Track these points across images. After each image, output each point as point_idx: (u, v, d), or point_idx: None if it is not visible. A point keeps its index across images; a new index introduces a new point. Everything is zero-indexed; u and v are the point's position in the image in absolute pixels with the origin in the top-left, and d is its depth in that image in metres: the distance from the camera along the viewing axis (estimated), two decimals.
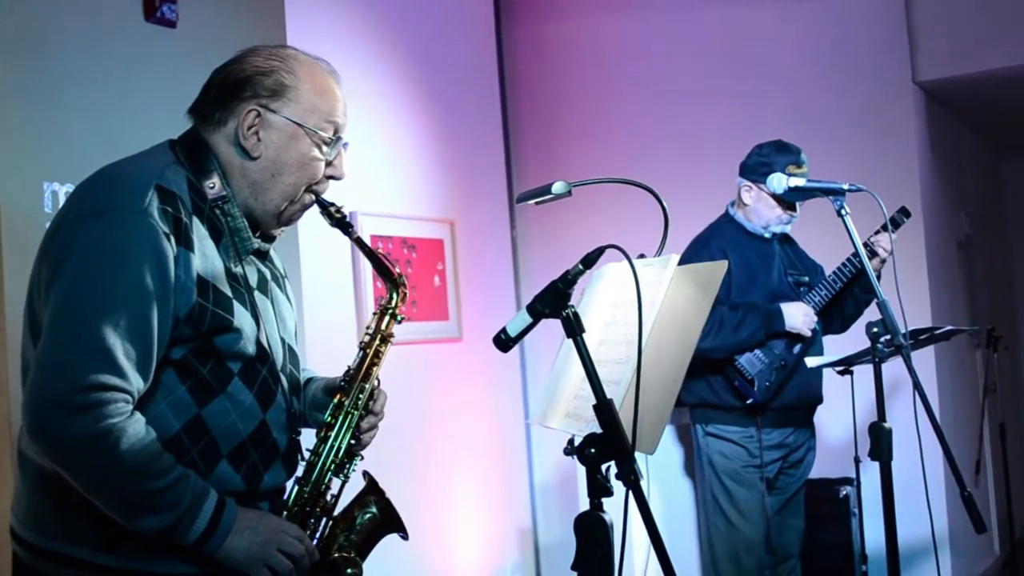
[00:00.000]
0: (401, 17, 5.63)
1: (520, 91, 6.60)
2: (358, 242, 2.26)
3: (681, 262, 2.40)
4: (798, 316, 4.10)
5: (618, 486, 2.04)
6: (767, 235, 4.25)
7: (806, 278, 4.30)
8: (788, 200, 4.12)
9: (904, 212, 4.19)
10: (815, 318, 4.14)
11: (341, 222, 2.22)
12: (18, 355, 2.07)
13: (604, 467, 2.07)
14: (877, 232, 4.10)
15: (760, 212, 4.22)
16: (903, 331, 3.27)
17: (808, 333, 4.12)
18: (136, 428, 1.89)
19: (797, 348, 4.15)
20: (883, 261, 4.09)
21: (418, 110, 5.69)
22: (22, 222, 3.11)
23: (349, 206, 4.97)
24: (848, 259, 4.12)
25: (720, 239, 4.24)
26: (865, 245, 4.05)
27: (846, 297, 4.26)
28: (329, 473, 2.20)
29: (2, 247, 3.11)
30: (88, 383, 1.85)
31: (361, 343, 2.29)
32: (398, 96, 5.56)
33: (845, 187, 3.39)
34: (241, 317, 2.05)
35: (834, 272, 4.18)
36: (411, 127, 5.63)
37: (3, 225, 3.13)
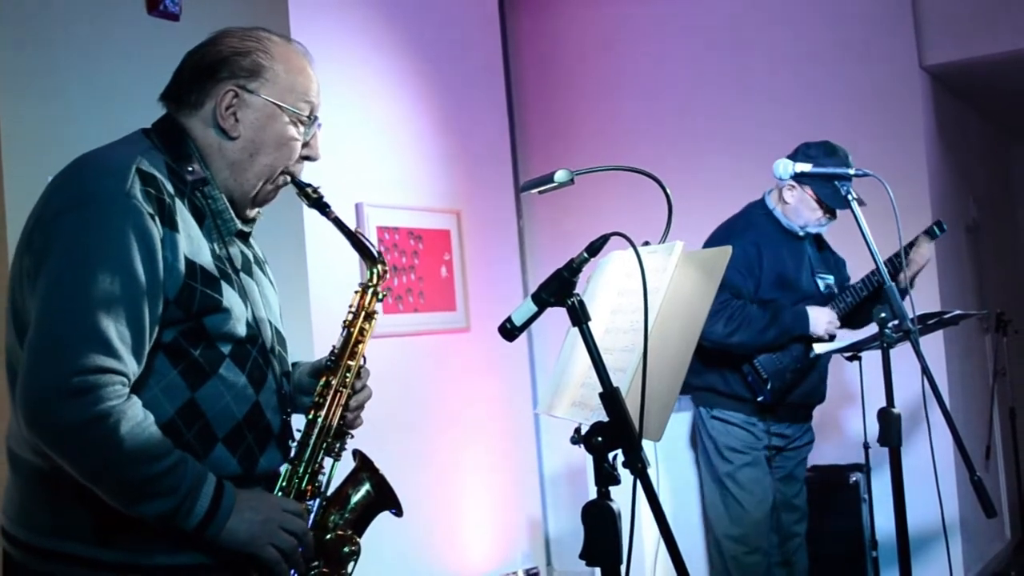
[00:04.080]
0: (405, 7, 5.62)
1: (525, 81, 6.59)
2: (336, 221, 2.24)
3: (711, 246, 2.39)
4: (822, 322, 4.09)
5: (626, 474, 2.03)
6: (801, 233, 4.23)
7: (830, 278, 4.29)
8: (830, 206, 4.08)
9: (940, 226, 4.18)
10: (838, 324, 4.13)
11: (318, 202, 2.21)
12: None
13: (611, 455, 2.07)
14: (917, 238, 4.10)
15: (800, 212, 4.19)
16: (911, 316, 3.26)
17: (827, 339, 4.11)
18: (135, 411, 1.88)
19: (813, 353, 4.13)
20: (918, 269, 4.12)
21: (423, 101, 5.68)
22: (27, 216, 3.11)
23: (356, 197, 5.04)
24: (875, 269, 4.05)
25: (756, 232, 4.19)
26: (897, 256, 4.02)
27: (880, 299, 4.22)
28: (321, 452, 2.19)
29: (7, 241, 3.12)
30: (84, 366, 1.82)
31: (344, 322, 2.28)
32: (403, 87, 5.56)
33: (852, 172, 3.38)
34: (230, 297, 2.04)
35: (863, 280, 4.15)
36: (416, 118, 5.63)
37: (8, 219, 3.14)
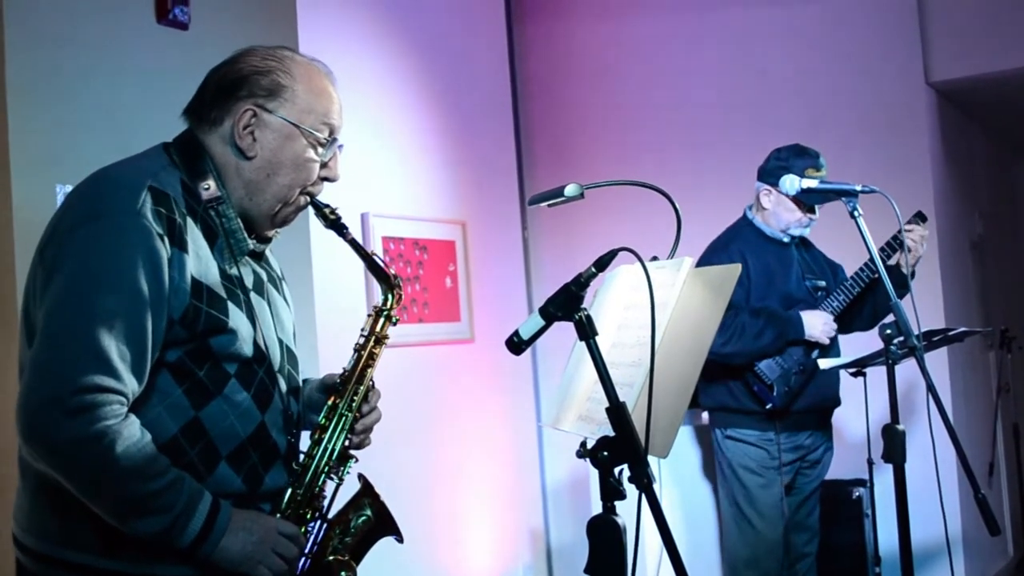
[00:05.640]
0: (412, 18, 5.63)
1: (532, 92, 6.60)
2: (352, 243, 2.25)
3: (700, 265, 2.40)
4: (817, 325, 4.10)
5: (631, 489, 2.03)
6: (786, 239, 4.25)
7: (823, 282, 4.30)
8: (807, 203, 4.12)
9: (920, 216, 4.18)
10: (834, 326, 4.14)
11: (335, 223, 2.22)
12: None
13: (617, 470, 2.07)
14: (910, 221, 4.09)
15: (779, 215, 4.22)
16: (916, 333, 3.26)
17: (827, 341, 4.12)
18: (131, 430, 1.89)
19: (815, 353, 4.14)
20: (918, 258, 4.10)
21: (430, 111, 5.69)
22: (35, 224, 3.10)
23: (361, 207, 5.05)
24: (866, 263, 4.11)
25: (739, 243, 4.23)
26: (895, 238, 4.06)
27: (876, 289, 4.22)
28: (323, 475, 2.19)
29: (15, 250, 3.12)
30: (82, 385, 1.84)
31: (356, 345, 2.28)
32: (409, 98, 5.57)
33: (858, 189, 3.39)
34: (236, 318, 2.04)
35: (852, 277, 4.18)
36: (422, 129, 5.63)
37: (16, 228, 3.14)
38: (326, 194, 2.24)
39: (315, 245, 4.21)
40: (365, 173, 5.13)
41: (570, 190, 2.41)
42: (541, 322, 2.13)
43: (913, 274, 4.14)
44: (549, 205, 2.52)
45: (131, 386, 1.90)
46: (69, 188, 3.25)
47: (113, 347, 1.87)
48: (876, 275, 4.07)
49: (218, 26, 3.78)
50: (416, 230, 5.44)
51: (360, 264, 5.09)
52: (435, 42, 5.78)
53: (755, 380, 4.12)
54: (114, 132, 3.41)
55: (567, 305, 2.10)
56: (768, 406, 4.10)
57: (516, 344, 2.15)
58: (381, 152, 5.30)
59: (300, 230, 4.06)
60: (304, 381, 2.37)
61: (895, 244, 4.09)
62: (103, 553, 1.96)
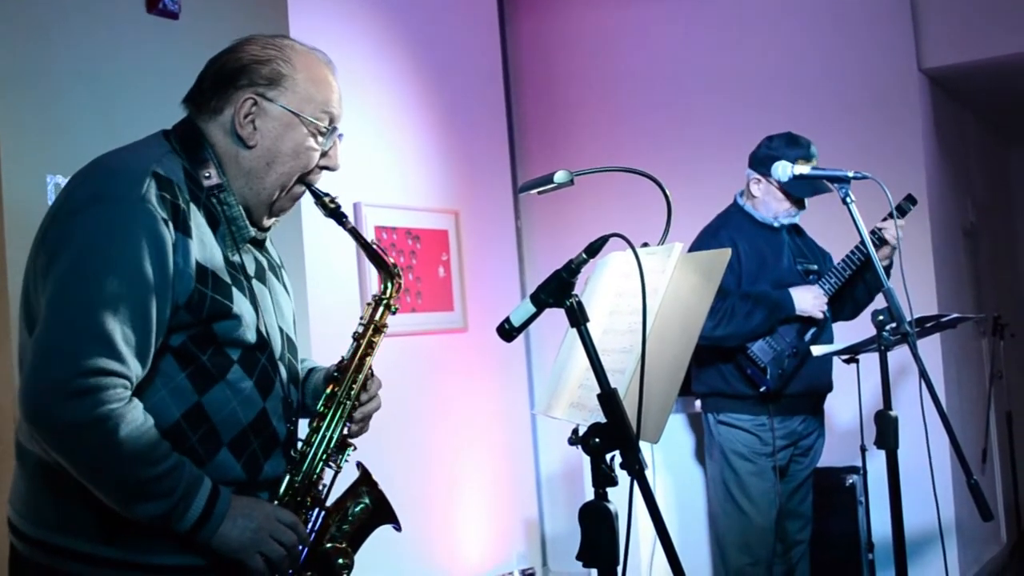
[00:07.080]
0: (404, 8, 5.62)
1: (524, 81, 6.59)
2: (352, 232, 2.25)
3: (691, 251, 2.39)
4: (808, 299, 4.10)
5: (623, 475, 2.03)
6: (776, 224, 4.25)
7: (815, 266, 4.30)
8: (796, 195, 4.12)
9: (911, 199, 4.18)
10: (825, 300, 4.14)
11: (335, 212, 2.21)
12: None
13: (609, 457, 2.07)
14: (884, 219, 4.08)
15: (768, 204, 4.22)
16: (909, 319, 3.26)
17: (819, 315, 4.12)
18: (135, 414, 1.89)
19: (809, 335, 4.15)
20: (893, 248, 4.09)
21: (422, 101, 5.68)
22: (25, 215, 3.10)
23: (354, 197, 5.05)
24: (856, 247, 4.11)
25: (730, 228, 4.24)
26: (872, 233, 4.05)
27: (856, 283, 4.25)
28: (321, 463, 2.20)
29: (5, 240, 3.11)
30: (87, 368, 1.84)
31: (355, 333, 2.28)
32: (402, 87, 5.56)
33: (850, 175, 3.39)
34: (240, 304, 2.05)
35: (843, 260, 4.18)
36: (415, 118, 5.63)
37: (6, 218, 3.13)
38: (319, 182, 2.23)
39: (307, 235, 4.21)
40: (358, 163, 5.13)
41: (559, 177, 2.41)
42: (532, 309, 2.12)
43: (891, 263, 4.15)
44: (539, 192, 2.52)
45: (135, 370, 1.91)
46: (60, 178, 3.24)
47: (117, 330, 1.87)
48: (867, 257, 4.07)
49: (209, 16, 3.77)
50: (409, 219, 5.44)
51: (354, 254, 5.11)
52: (428, 31, 5.77)
53: (748, 363, 4.12)
54: (105, 122, 3.40)
55: (558, 292, 2.10)
56: (762, 389, 4.10)
57: (507, 331, 2.15)
58: (374, 142, 5.30)
59: (293, 220, 4.06)
60: (312, 370, 2.38)
61: (875, 241, 4.09)
62: (101, 540, 1.96)
